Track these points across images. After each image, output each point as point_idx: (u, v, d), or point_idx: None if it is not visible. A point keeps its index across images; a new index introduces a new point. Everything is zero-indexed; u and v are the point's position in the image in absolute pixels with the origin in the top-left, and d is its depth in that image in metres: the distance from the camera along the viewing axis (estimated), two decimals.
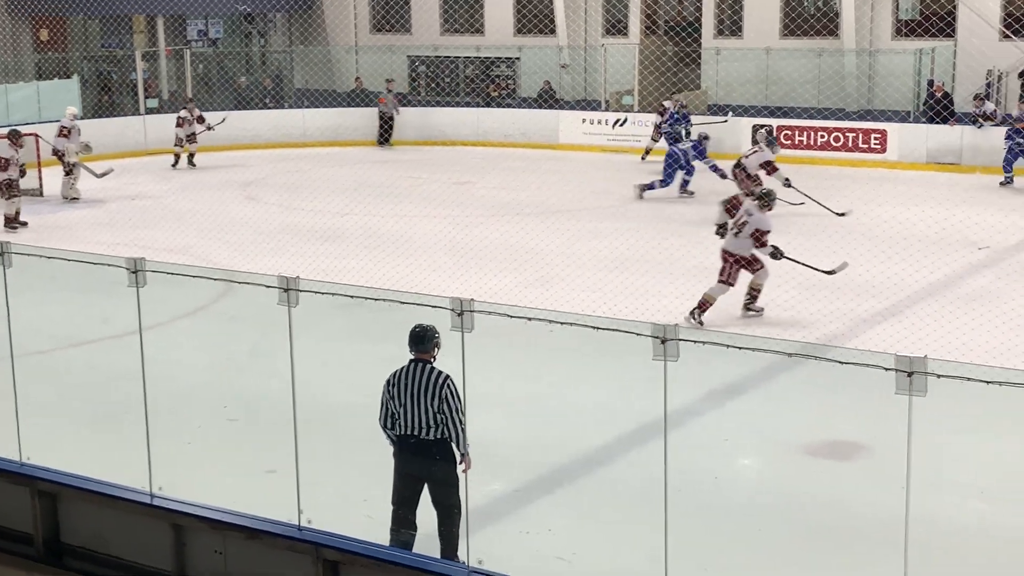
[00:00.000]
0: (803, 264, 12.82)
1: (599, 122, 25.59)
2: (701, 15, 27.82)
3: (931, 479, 7.55)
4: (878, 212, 17.23)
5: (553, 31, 28.90)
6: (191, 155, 23.78)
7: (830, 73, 25.13)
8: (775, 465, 8.96)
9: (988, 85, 22.90)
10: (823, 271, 12.82)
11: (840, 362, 6.72)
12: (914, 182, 20.28)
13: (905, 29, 25.28)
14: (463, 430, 6.94)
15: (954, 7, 24.43)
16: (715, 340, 6.29)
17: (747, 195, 14.14)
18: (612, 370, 9.51)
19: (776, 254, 12.54)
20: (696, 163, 19.56)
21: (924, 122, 22.60)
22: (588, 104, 27.16)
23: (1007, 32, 23.61)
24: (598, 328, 6.32)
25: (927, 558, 6.56)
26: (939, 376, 5.69)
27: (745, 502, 8.16)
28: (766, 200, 12.71)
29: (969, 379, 5.71)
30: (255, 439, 9.13)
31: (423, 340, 6.99)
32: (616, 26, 28.68)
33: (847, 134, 22.93)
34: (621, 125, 25.19)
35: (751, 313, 12.63)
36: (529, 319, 6.72)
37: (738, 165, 17.62)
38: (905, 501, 6.07)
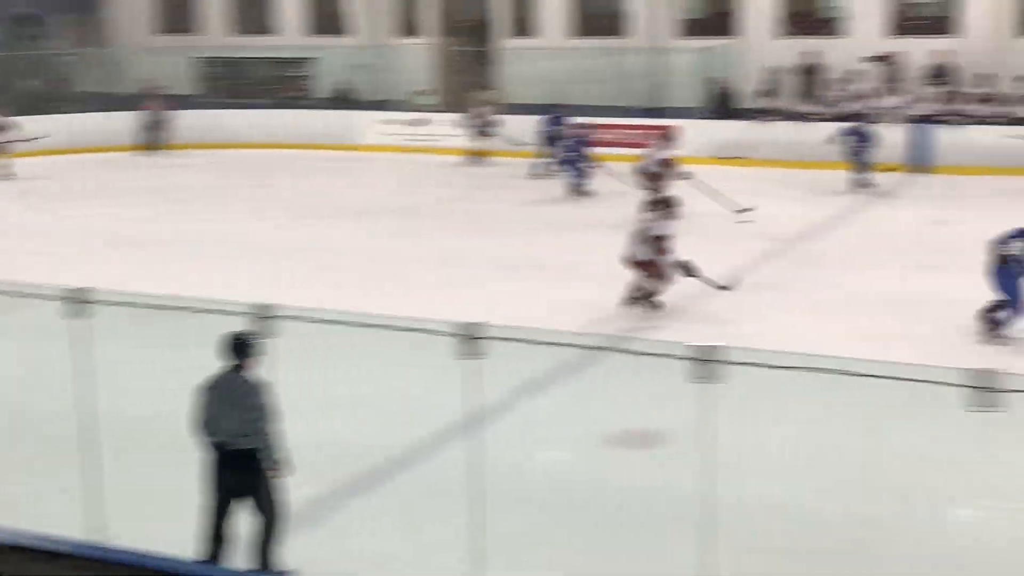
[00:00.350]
0: (706, 280, 12.65)
1: (398, 122, 25.58)
2: (494, 15, 28.07)
3: (731, 463, 7.85)
4: None
5: (348, 31, 28.72)
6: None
7: (620, 71, 25.70)
8: (581, 457, 9.13)
9: (770, 81, 23.84)
10: (720, 286, 12.63)
11: (638, 353, 6.93)
12: (705, 176, 20.87)
13: (690, 28, 26.07)
14: (276, 438, 6.87)
15: (736, 6, 25.32)
16: (519, 336, 6.40)
17: (650, 202, 14.10)
18: (422, 370, 9.54)
19: (687, 269, 12.44)
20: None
21: (711, 118, 23.38)
22: (386, 104, 27.09)
23: (786, 30, 24.62)
24: (406, 329, 6.35)
25: (726, 538, 6.83)
26: (732, 364, 5.92)
27: (554, 495, 8.30)
28: (667, 206, 12.72)
29: (764, 365, 5.96)
30: (50, 457, 8.80)
31: (238, 348, 6.88)
32: (410, 25, 28.67)
33: (638, 131, 23.53)
34: (420, 125, 25.24)
35: (650, 307, 12.48)
36: (336, 322, 6.70)
37: (639, 168, 17.58)
38: (704, 484, 6.30)
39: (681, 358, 6.01)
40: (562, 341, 6.65)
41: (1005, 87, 21.75)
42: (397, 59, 27.34)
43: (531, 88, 25.53)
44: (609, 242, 14.16)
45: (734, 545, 7.03)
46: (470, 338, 6.16)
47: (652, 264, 12.46)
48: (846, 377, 5.87)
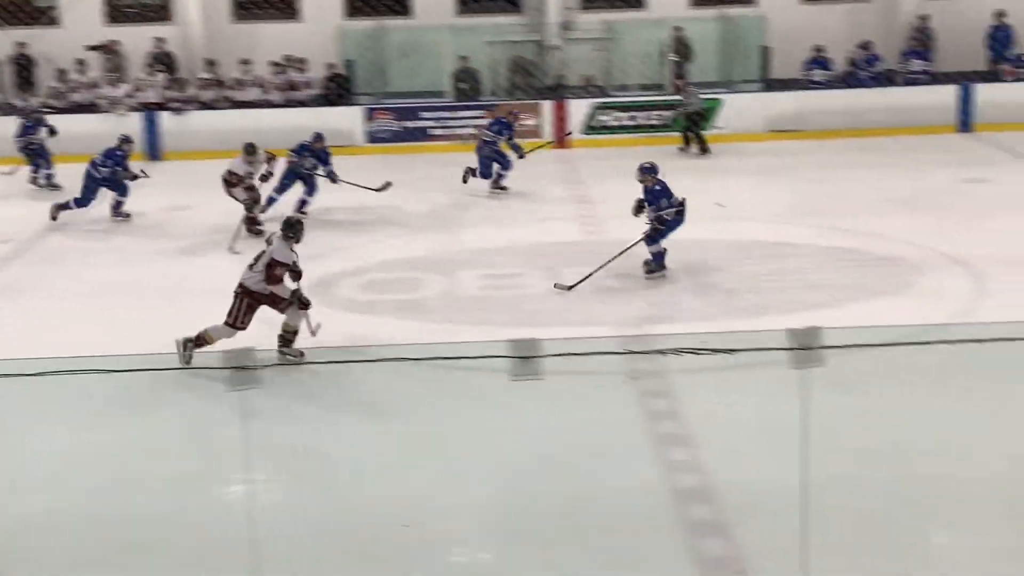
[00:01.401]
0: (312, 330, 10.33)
1: None
2: None
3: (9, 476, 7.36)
4: None
5: None
6: None
7: None
8: None
9: None
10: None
11: None
12: None
13: None
14: None
15: None
16: None
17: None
18: None
19: (301, 301, 10.11)
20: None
21: None
22: None
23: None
24: None
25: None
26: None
27: None
28: (292, 230, 10.23)
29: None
30: None
31: None
32: None
33: None
34: None
35: (290, 358, 10.16)
36: None
37: (230, 173, 15.09)
38: None
39: None
40: None
41: (230, 72, 22.32)
42: None
43: None
44: None
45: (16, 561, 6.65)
46: None
47: (275, 299, 10.18)
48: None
